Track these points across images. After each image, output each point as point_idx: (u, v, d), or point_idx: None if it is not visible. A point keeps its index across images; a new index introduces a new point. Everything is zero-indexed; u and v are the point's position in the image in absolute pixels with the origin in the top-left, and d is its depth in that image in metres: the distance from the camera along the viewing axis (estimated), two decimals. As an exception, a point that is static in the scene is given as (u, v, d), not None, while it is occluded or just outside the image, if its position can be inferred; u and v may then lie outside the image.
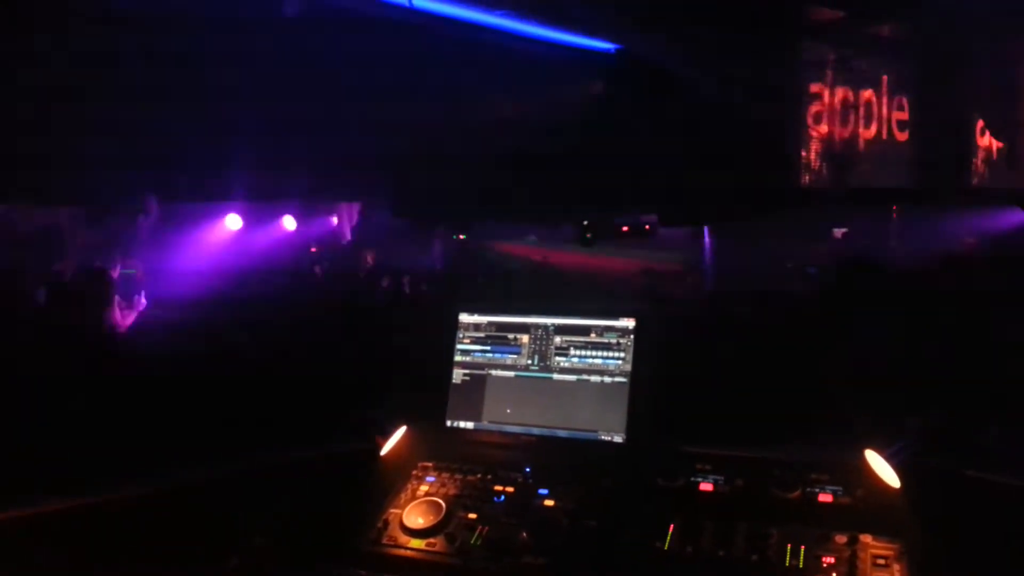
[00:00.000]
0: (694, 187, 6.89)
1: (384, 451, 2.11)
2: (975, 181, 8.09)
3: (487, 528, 1.92)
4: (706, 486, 1.93)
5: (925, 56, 7.59)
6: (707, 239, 14.83)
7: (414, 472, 2.14)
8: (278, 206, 10.92)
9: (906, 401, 2.07)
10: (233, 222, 10.67)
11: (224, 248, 9.80)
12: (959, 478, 1.76)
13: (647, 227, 7.89)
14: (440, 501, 2.01)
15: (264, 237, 11.04)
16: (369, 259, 12.26)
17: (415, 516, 1.98)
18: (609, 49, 6.95)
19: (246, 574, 1.82)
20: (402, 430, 2.17)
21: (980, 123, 8.12)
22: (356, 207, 11.73)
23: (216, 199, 9.28)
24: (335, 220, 12.08)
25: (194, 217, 9.57)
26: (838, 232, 12.32)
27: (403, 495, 2.08)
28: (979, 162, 8.08)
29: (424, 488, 2.09)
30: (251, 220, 10.40)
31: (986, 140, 8.14)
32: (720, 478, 1.93)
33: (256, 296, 5.96)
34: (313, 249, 12.40)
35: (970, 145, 8.00)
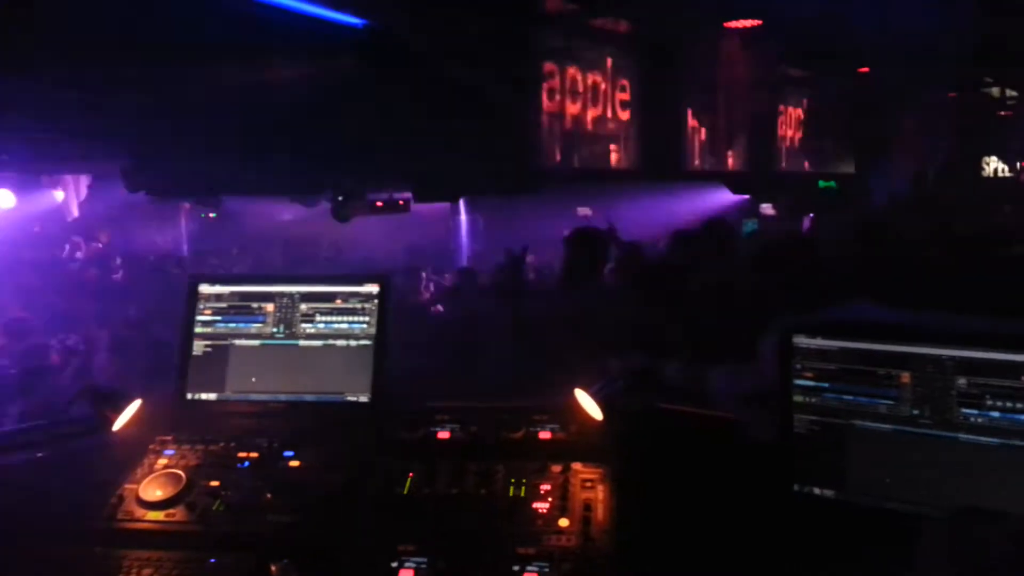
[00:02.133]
0: (442, 163, 7.11)
1: (116, 426, 2.04)
2: (689, 163, 9.16)
3: (229, 493, 1.94)
4: (443, 435, 2.09)
5: (643, 48, 8.42)
6: (463, 217, 15.31)
7: (151, 447, 2.09)
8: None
9: (611, 347, 2.39)
10: (5, 199, 9.22)
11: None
12: (651, 410, 2.08)
13: (400, 202, 8.00)
14: (180, 472, 1.99)
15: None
16: (102, 239, 11.20)
17: (153, 489, 1.95)
18: (358, 23, 6.93)
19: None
20: (136, 404, 2.11)
21: (692, 110, 9.19)
22: (84, 180, 10.64)
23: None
24: (60, 195, 10.88)
25: None
26: (582, 211, 13.31)
27: (140, 470, 2.03)
28: (692, 145, 9.16)
29: (163, 461, 2.06)
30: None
31: (697, 125, 9.21)
32: (456, 426, 2.10)
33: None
34: (36, 229, 11.08)
35: (683, 130, 9.04)
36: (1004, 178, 12.49)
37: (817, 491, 1.80)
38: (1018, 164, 12.36)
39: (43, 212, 11.12)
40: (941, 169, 10.41)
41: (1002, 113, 11.47)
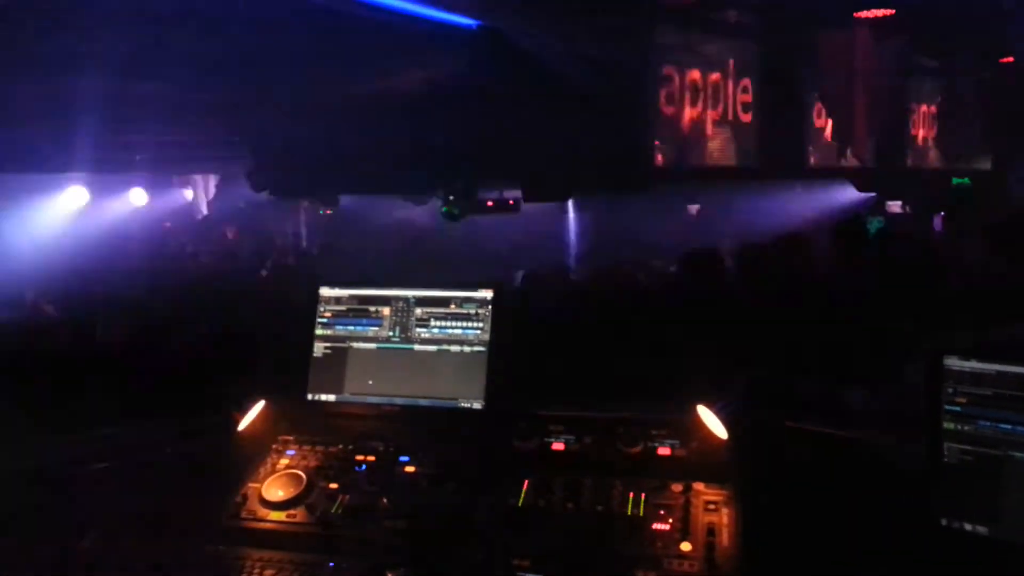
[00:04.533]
0: (554, 164, 7.08)
1: (241, 426, 2.10)
2: (811, 159, 8.76)
3: (348, 496, 1.96)
4: (558, 445, 2.04)
5: (767, 41, 8.10)
6: (571, 215, 15.23)
7: (274, 446, 2.14)
8: (125, 178, 10.29)
9: (736, 361, 2.27)
10: (138, 197, 9.97)
11: (69, 223, 9.17)
12: (779, 428, 1.96)
13: (511, 202, 8.02)
14: (300, 473, 2.02)
15: (112, 211, 10.40)
16: (230, 235, 11.79)
17: (275, 489, 1.99)
18: (471, 25, 6.98)
19: (102, 552, 1.78)
20: (260, 405, 2.16)
21: (817, 105, 8.78)
22: (213, 179, 11.23)
23: (56, 170, 8.63)
24: (189, 193, 11.53)
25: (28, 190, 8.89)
26: (692, 208, 12.99)
27: (263, 469, 2.08)
28: (815, 141, 8.75)
29: (284, 461, 2.10)
30: (95, 193, 9.77)
31: (822, 121, 8.80)
32: (571, 437, 2.05)
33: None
34: (167, 224, 11.78)
35: (808, 126, 8.65)
36: None
37: (968, 527, 1.64)
38: None
39: (173, 209, 11.82)
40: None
41: None
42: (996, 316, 1.94)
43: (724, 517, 1.78)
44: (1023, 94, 9.99)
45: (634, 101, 7.45)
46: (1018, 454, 1.60)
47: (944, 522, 1.66)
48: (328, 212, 13.18)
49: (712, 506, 1.81)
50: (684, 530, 1.76)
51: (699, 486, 1.86)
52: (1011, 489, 1.60)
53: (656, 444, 1.97)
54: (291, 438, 2.17)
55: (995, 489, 1.61)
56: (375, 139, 7.09)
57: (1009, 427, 1.61)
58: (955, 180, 10.73)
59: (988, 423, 1.64)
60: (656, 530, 1.77)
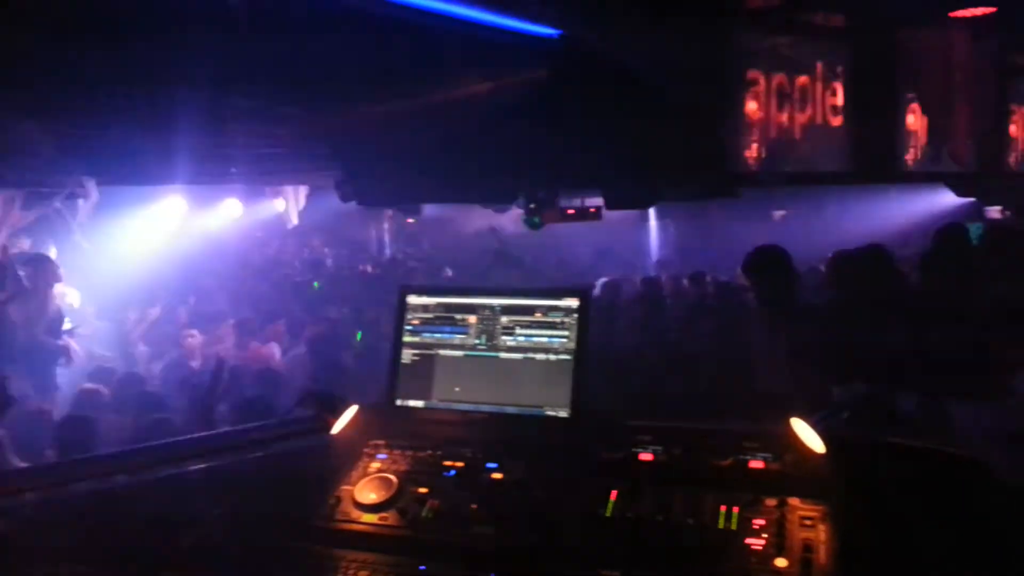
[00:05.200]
0: (637, 171, 7.01)
1: (335, 430, 2.16)
2: (906, 164, 8.41)
3: (438, 502, 1.99)
4: (646, 456, 2.02)
5: (857, 42, 7.82)
6: (653, 222, 15.07)
7: (365, 450, 2.19)
8: (220, 189, 10.74)
9: (833, 375, 2.20)
10: (232, 208, 10.44)
11: (171, 233, 9.63)
12: (878, 443, 1.89)
13: (592, 210, 7.97)
14: (391, 476, 2.07)
15: (211, 222, 10.87)
16: (316, 244, 12.15)
17: (367, 492, 2.03)
18: (552, 34, 7.00)
19: (201, 550, 1.85)
20: (353, 409, 2.22)
21: (911, 107, 8.42)
22: (303, 190, 11.60)
23: (156, 182, 9.07)
24: (281, 204, 11.93)
25: (129, 201, 9.37)
26: (777, 214, 12.67)
27: (355, 472, 2.13)
28: (909, 146, 8.39)
29: (376, 465, 2.15)
30: (193, 204, 10.23)
31: (915, 124, 8.44)
32: (659, 448, 2.02)
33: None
34: (259, 235, 12.22)
35: (900, 129, 8.30)
36: None
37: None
38: None
39: (265, 220, 12.26)
40: None
41: None
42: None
43: (821, 534, 1.72)
44: None
45: (719, 106, 7.30)
46: None
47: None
48: (412, 221, 13.43)
49: (808, 522, 1.75)
50: (779, 546, 1.71)
51: (794, 501, 1.80)
52: None
53: (748, 457, 1.93)
54: (382, 442, 2.21)
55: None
56: (457, 148, 7.19)
57: None
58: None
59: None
60: (750, 545, 1.73)
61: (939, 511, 1.72)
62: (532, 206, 8.27)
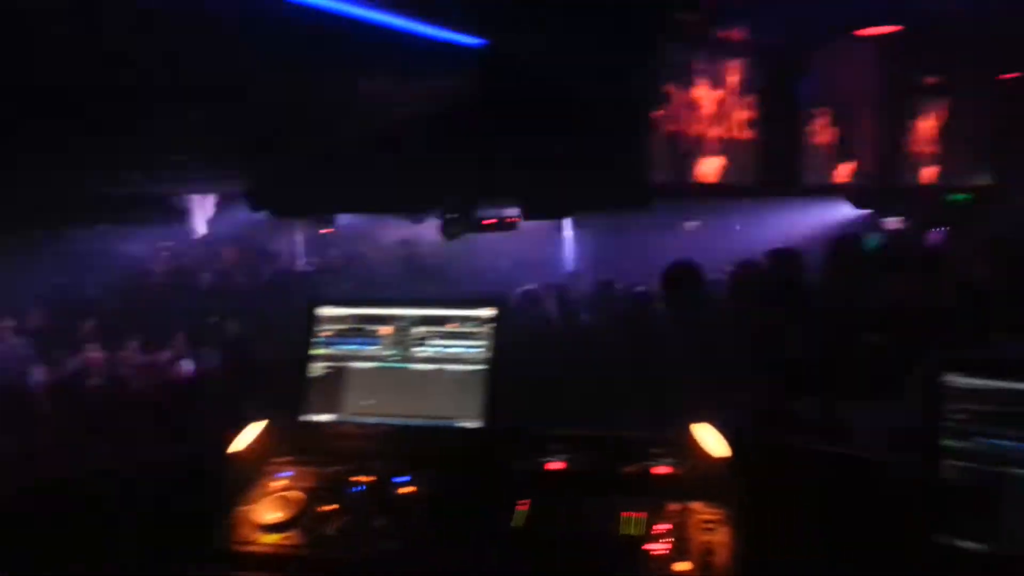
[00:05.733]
0: (554, 181, 7.08)
1: (235, 448, 2.08)
2: (809, 177, 8.79)
3: (344, 519, 1.94)
4: (556, 465, 2.03)
5: (768, 59, 8.14)
6: (568, 233, 15.23)
7: (268, 468, 2.12)
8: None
9: (735, 380, 2.26)
10: None
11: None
12: (779, 447, 1.94)
13: (509, 220, 7.98)
14: (295, 495, 2.00)
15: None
16: (229, 256, 11.78)
17: (269, 511, 1.97)
18: (474, 44, 7.00)
19: (92, 573, 1.76)
20: (256, 426, 2.15)
21: (816, 122, 8.81)
22: (212, 199, 11.25)
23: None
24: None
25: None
26: (690, 225, 13.02)
27: (257, 491, 2.06)
28: (813, 158, 8.78)
29: (279, 483, 2.08)
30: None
31: (820, 138, 8.83)
32: (569, 457, 2.03)
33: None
34: (164, 243, 11.78)
35: (806, 144, 8.68)
36: None
37: (966, 544, 1.62)
38: None
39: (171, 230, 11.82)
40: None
41: None
42: (997, 331, 1.93)
43: (722, 536, 1.76)
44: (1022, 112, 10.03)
45: (635, 119, 7.46)
46: (1017, 471, 1.59)
47: (942, 539, 1.64)
48: (326, 231, 13.20)
49: (709, 525, 1.79)
50: (681, 550, 1.74)
51: (697, 505, 1.84)
52: (1010, 506, 1.58)
53: (654, 463, 1.96)
54: (287, 459, 2.15)
55: (994, 506, 1.60)
56: (374, 157, 7.10)
57: (1008, 444, 1.60)
58: (955, 196, 10.75)
59: (987, 440, 1.63)
60: (652, 551, 1.75)
61: (837, 511, 1.78)
62: (450, 216, 8.24)
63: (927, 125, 10.37)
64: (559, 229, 14.34)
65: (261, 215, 8.94)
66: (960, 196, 10.72)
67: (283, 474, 2.11)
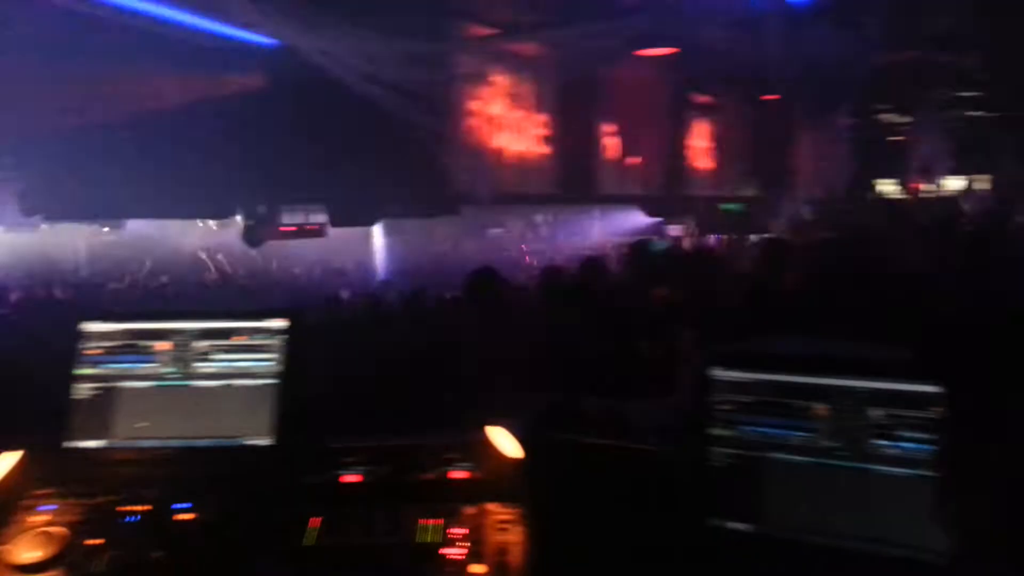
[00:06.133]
0: (361, 188, 6.99)
1: (-13, 482, 1.84)
2: (605, 187, 9.30)
3: (114, 553, 1.77)
4: (350, 478, 1.97)
5: (562, 75, 8.52)
6: (380, 239, 15.10)
7: (25, 503, 1.89)
8: None
9: (528, 382, 2.32)
10: None
11: None
12: (570, 446, 2.02)
13: (311, 227, 7.72)
14: (57, 530, 1.80)
15: None
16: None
17: (26, 550, 1.76)
18: (268, 44, 6.76)
19: None
20: (9, 456, 1.91)
21: (607, 136, 9.34)
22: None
23: None
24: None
25: None
26: (496, 231, 13.34)
27: (12, 529, 1.83)
28: (606, 171, 9.30)
29: (39, 518, 1.86)
30: None
31: (611, 151, 9.37)
32: (365, 468, 1.99)
33: None
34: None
35: (601, 156, 9.18)
36: (900, 199, 13.13)
37: (735, 525, 1.77)
38: (912, 186, 13.02)
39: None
40: (842, 192, 10.86)
41: (896, 138, 12.09)
42: (760, 329, 2.12)
43: (516, 536, 1.80)
44: (783, 129, 11.21)
45: (440, 128, 7.53)
46: (777, 455, 1.75)
47: (715, 522, 1.77)
48: (110, 237, 12.18)
49: (504, 526, 1.82)
50: (477, 553, 1.75)
51: (492, 507, 1.87)
52: (772, 488, 1.74)
53: (450, 468, 1.96)
54: (48, 492, 1.93)
55: (759, 488, 1.75)
56: (163, 159, 6.65)
57: (769, 430, 1.76)
58: (729, 206, 11.79)
59: (750, 427, 1.78)
60: (449, 556, 1.75)
61: (619, 502, 1.87)
62: (251, 222, 7.88)
63: (703, 141, 11.33)
64: (371, 237, 14.18)
65: (34, 219, 8.08)
66: (734, 206, 11.79)
67: (44, 508, 1.89)
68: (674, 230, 11.79)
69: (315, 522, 1.85)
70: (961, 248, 4.33)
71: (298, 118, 6.75)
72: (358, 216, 8.06)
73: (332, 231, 9.23)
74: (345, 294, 7.50)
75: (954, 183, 10.55)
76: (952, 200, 9.37)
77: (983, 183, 10.28)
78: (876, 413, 1.66)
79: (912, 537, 1.58)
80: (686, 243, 10.08)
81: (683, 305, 3.44)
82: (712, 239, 10.59)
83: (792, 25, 6.36)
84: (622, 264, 4.83)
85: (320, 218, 8.73)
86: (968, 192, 9.97)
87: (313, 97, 6.92)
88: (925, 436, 1.62)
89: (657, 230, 11.54)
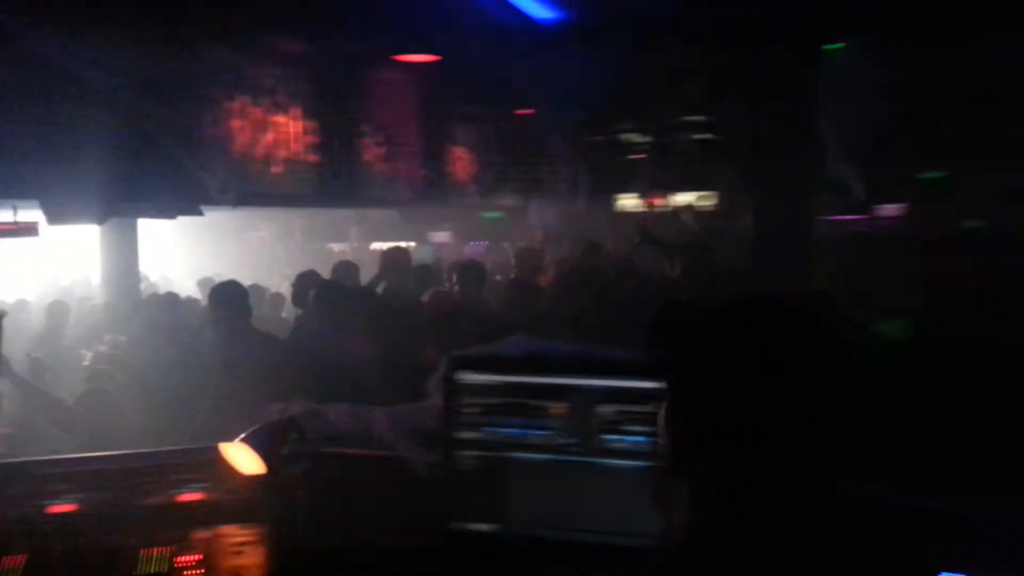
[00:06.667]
0: (85, 183, 6.29)
1: None
2: (363, 192, 9.20)
3: None
4: (61, 508, 1.74)
5: (321, 75, 8.28)
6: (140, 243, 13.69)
7: None
8: None
9: (270, 391, 2.20)
10: None
11: None
12: (314, 457, 1.93)
13: (17, 226, 6.53)
14: None
15: None
16: None
17: None
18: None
19: None
20: None
21: (367, 139, 9.25)
22: None
23: None
24: None
25: None
26: (257, 234, 12.73)
27: None
28: (366, 175, 9.21)
29: None
30: None
31: (371, 155, 9.30)
32: (78, 496, 1.77)
33: None
34: None
35: (361, 160, 9.06)
36: (637, 213, 14.26)
37: (479, 526, 1.79)
38: (649, 201, 14.22)
39: None
40: (582, 205, 11.61)
41: (634, 156, 13.13)
42: (501, 332, 2.17)
43: (254, 558, 1.69)
44: (534, 142, 11.77)
45: (187, 124, 7.01)
46: (518, 455, 1.79)
47: (458, 524, 1.78)
48: None
49: (240, 548, 1.70)
50: (209, 581, 1.62)
51: (228, 529, 1.74)
52: (514, 487, 1.78)
53: (180, 491, 1.80)
54: None
55: (502, 488, 1.79)
56: None
57: (511, 431, 1.80)
58: (485, 215, 12.16)
59: (494, 429, 1.81)
60: (176, 587, 1.60)
61: (368, 511, 1.83)
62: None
63: (464, 150, 11.61)
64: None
65: None
66: (493, 214, 12.17)
67: None
68: (438, 237, 11.92)
69: (14, 561, 1.61)
70: (686, 257, 4.79)
71: (5, 99, 5.95)
72: (81, 214, 7.18)
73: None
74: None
75: (683, 198, 11.68)
76: (680, 214, 10.38)
77: (708, 199, 11.51)
78: (607, 410, 1.76)
79: (642, 526, 1.68)
80: (444, 251, 10.22)
81: (434, 310, 3.47)
82: (473, 245, 10.85)
83: (540, 42, 6.66)
84: (378, 269, 4.79)
85: (34, 215, 7.64)
86: (694, 207, 11.10)
87: (26, 79, 6.15)
88: (649, 430, 1.74)
89: (418, 236, 11.62)
